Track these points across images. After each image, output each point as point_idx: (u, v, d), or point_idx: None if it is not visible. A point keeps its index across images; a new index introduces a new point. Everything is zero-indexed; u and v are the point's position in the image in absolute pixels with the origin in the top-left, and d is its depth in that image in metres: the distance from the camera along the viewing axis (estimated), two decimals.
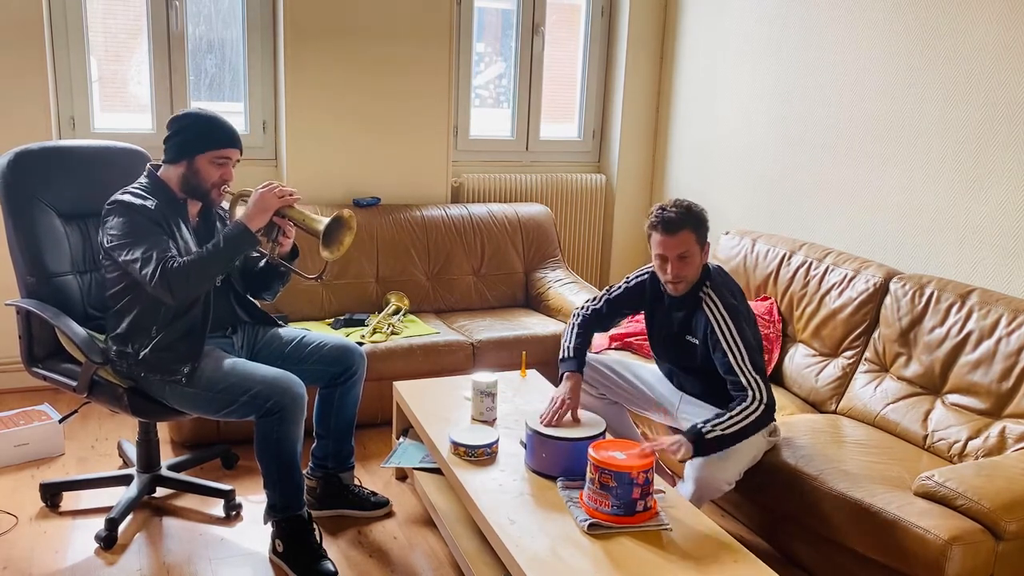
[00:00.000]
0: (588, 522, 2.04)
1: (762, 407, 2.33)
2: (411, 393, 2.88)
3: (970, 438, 2.52)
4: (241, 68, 3.91)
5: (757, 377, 2.37)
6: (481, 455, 2.40)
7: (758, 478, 2.50)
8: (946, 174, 2.97)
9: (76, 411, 3.35)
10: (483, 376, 2.65)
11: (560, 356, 2.66)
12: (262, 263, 2.67)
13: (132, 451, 2.85)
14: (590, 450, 2.11)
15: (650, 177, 4.66)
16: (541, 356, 3.48)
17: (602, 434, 2.35)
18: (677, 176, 4.45)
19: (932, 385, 2.72)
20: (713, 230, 2.64)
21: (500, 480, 2.29)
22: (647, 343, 2.82)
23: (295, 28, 3.76)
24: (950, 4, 2.91)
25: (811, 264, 3.18)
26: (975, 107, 2.85)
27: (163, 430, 3.22)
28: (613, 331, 3.40)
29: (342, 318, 3.62)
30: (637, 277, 2.70)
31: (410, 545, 2.65)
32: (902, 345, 2.81)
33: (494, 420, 2.65)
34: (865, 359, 2.93)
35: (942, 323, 2.71)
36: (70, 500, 2.79)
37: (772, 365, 3.13)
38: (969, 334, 2.62)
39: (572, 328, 2.70)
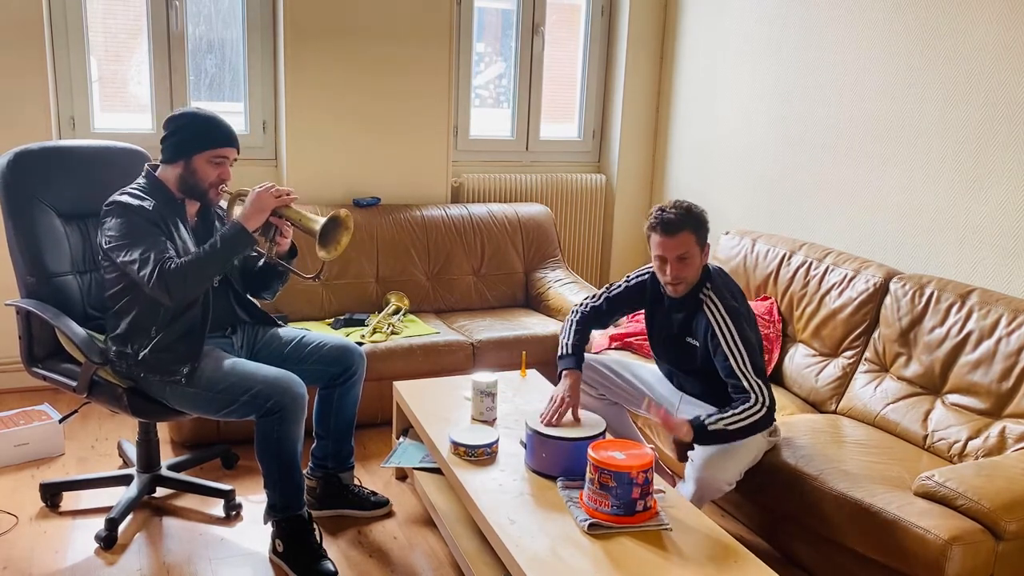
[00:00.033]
0: (588, 522, 2.04)
1: (764, 410, 2.33)
2: (411, 393, 2.88)
3: (970, 438, 2.52)
4: (241, 68, 3.90)
5: (759, 380, 2.37)
6: (481, 455, 2.39)
7: (758, 478, 2.50)
8: (946, 174, 2.97)
9: (76, 411, 3.35)
10: (483, 376, 2.65)
11: (559, 353, 2.65)
12: (261, 263, 2.67)
13: (132, 451, 2.85)
14: (590, 450, 2.10)
15: (650, 177, 4.66)
16: (541, 356, 3.48)
17: (602, 434, 2.35)
18: (677, 176, 4.45)
19: (932, 385, 2.72)
20: (713, 230, 2.64)
21: (500, 480, 2.29)
22: (647, 343, 2.82)
23: (295, 28, 3.76)
24: (950, 4, 2.91)
25: (811, 264, 3.18)
26: (975, 107, 2.85)
27: (163, 430, 3.21)
28: (613, 331, 3.40)
29: (342, 318, 3.62)
30: (638, 276, 2.69)
31: (410, 545, 2.65)
32: (902, 345, 2.81)
33: (494, 420, 2.65)
34: (865, 359, 2.93)
35: (942, 323, 2.71)
36: (70, 500, 2.79)
37: (772, 365, 3.13)
38: (969, 334, 2.62)
39: (571, 325, 2.69)
